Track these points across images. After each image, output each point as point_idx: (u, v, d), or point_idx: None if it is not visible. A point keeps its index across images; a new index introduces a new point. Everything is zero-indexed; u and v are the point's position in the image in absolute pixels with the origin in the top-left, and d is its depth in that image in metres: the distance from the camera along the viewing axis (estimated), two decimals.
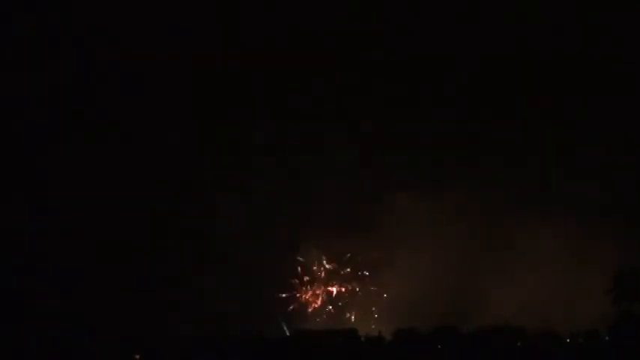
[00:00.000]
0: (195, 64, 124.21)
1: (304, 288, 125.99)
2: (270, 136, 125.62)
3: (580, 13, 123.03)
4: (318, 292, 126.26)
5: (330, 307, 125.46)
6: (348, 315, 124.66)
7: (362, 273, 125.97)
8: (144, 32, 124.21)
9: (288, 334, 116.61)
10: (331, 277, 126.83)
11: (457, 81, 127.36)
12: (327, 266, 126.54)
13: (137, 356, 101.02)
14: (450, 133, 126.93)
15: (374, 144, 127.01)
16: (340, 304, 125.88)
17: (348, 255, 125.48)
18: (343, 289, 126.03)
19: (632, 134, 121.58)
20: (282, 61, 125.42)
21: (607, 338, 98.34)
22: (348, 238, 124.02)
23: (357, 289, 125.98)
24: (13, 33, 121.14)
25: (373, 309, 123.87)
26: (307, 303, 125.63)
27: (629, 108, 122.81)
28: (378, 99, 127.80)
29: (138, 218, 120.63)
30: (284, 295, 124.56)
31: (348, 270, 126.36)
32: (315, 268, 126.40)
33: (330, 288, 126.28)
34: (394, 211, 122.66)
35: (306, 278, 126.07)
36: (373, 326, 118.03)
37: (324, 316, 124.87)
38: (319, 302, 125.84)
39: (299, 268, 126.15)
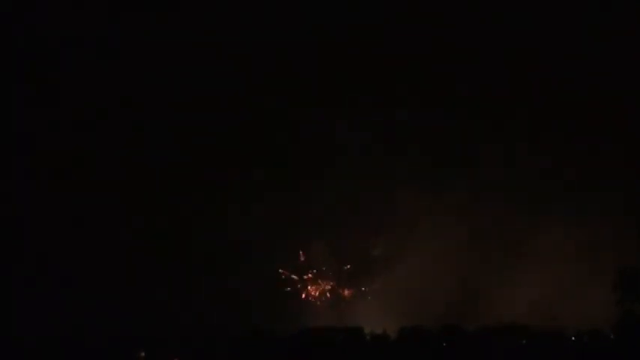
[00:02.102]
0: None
1: (309, 286, 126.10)
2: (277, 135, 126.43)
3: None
4: (323, 289, 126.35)
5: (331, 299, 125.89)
6: (352, 312, 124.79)
7: (368, 270, 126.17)
8: None
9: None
10: (337, 275, 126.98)
11: (463, 80, 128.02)
12: (332, 263, 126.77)
13: (142, 354, 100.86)
14: (458, 130, 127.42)
15: (381, 141, 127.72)
16: (345, 300, 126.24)
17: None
18: (348, 288, 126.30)
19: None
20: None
21: (612, 337, 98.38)
22: (354, 236, 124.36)
23: (363, 288, 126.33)
24: None
25: (378, 307, 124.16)
26: (313, 300, 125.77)
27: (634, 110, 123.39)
28: (384, 97, 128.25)
29: (142, 215, 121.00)
30: (289, 290, 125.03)
31: (354, 267, 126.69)
32: (320, 265, 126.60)
33: (335, 285, 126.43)
34: (401, 209, 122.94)
35: (310, 276, 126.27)
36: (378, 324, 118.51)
37: (329, 314, 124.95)
38: (324, 300, 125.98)
39: (304, 265, 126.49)
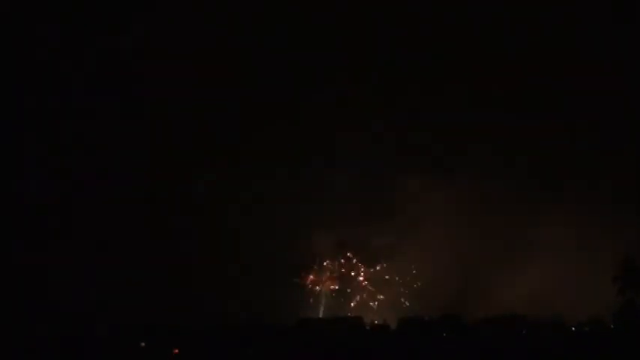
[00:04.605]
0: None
1: (312, 276, 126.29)
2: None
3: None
4: (325, 278, 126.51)
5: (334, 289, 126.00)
6: (353, 302, 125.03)
7: (369, 260, 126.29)
8: None
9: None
10: (338, 264, 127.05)
11: (470, 70, 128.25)
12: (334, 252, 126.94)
13: (142, 344, 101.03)
14: (462, 122, 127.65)
15: (387, 133, 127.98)
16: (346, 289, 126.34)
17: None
18: (349, 278, 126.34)
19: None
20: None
21: (612, 327, 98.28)
22: (359, 226, 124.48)
23: (364, 277, 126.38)
24: None
25: (379, 297, 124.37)
26: (314, 290, 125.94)
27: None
28: (391, 88, 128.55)
29: (146, 207, 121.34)
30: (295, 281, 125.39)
31: (355, 257, 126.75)
32: (322, 254, 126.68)
33: (336, 274, 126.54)
34: (403, 199, 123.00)
35: (314, 266, 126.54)
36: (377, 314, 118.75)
37: (330, 303, 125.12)
38: (326, 289, 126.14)
39: (308, 256, 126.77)
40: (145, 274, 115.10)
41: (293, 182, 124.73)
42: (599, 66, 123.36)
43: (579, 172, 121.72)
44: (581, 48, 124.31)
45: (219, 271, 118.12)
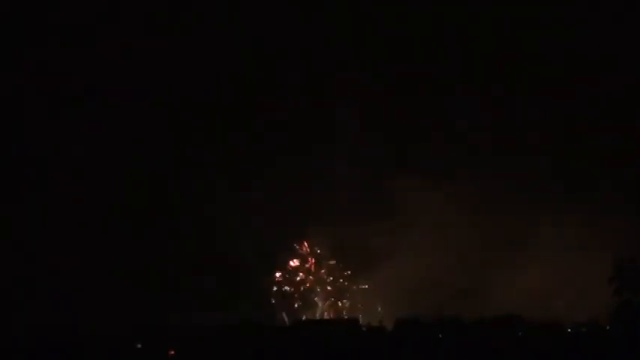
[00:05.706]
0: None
1: (307, 276, 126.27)
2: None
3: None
4: (321, 279, 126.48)
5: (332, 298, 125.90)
6: (349, 303, 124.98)
7: (367, 260, 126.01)
8: None
9: (287, 323, 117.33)
10: (335, 264, 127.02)
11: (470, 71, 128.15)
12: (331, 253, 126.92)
13: (139, 345, 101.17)
14: (463, 122, 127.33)
15: (386, 132, 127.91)
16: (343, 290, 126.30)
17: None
18: (345, 279, 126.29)
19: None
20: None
21: (608, 328, 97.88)
22: (359, 226, 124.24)
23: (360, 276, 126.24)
24: None
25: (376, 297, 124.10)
26: (309, 292, 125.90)
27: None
28: (393, 87, 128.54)
29: (141, 213, 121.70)
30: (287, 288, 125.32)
31: (352, 257, 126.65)
32: (319, 254, 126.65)
33: (333, 275, 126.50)
34: (402, 199, 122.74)
35: (309, 266, 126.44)
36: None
37: (326, 305, 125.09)
38: (321, 290, 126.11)
39: (303, 257, 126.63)
40: (141, 275, 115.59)
41: (293, 182, 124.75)
42: (600, 66, 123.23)
43: (579, 172, 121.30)
44: (581, 48, 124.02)
45: (218, 271, 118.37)
